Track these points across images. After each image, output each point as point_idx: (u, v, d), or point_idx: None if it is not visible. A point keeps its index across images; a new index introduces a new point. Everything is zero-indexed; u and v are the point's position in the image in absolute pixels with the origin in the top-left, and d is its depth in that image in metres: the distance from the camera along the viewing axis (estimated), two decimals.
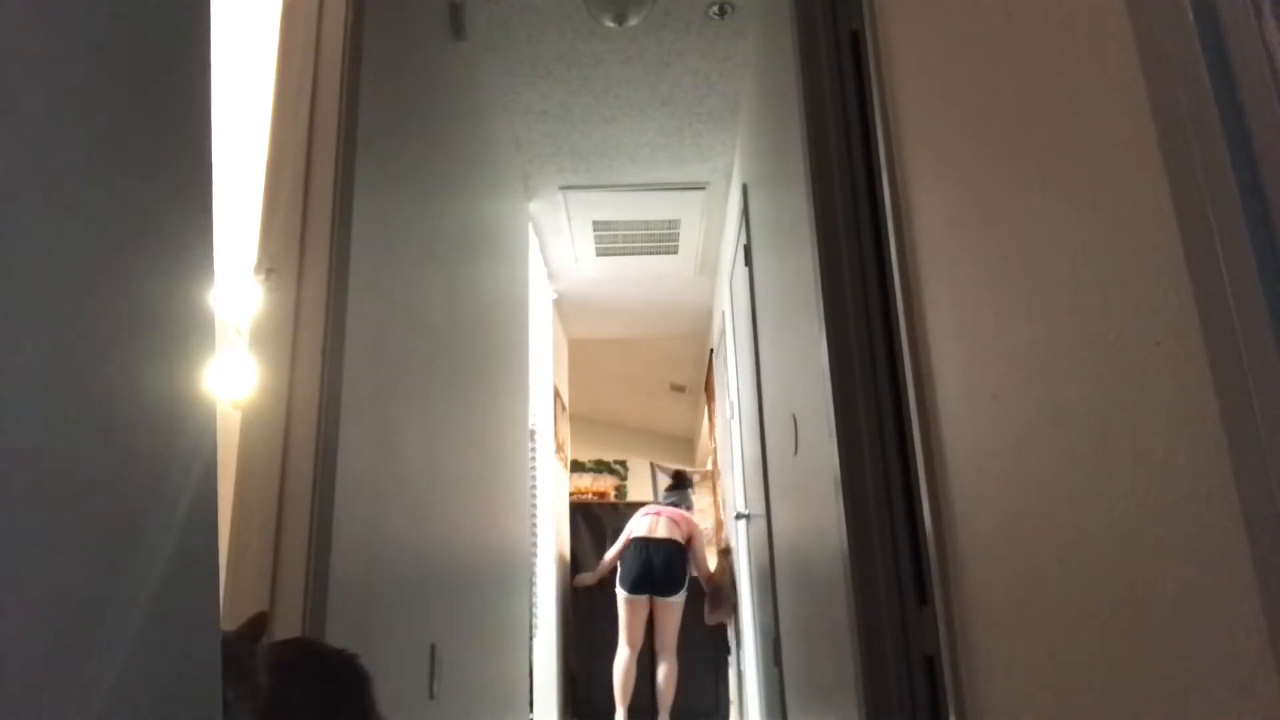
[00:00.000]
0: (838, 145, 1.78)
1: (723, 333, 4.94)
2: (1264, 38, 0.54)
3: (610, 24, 2.72)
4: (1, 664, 0.50)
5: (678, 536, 4.61)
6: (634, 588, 4.49)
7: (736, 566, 4.58)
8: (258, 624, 0.88)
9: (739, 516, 4.11)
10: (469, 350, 2.60)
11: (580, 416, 8.63)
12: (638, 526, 4.69)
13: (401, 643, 1.77)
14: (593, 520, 5.50)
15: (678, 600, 4.49)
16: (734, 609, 4.62)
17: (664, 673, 4.42)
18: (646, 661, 4.51)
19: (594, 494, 6.65)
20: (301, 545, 1.31)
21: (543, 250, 4.76)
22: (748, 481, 3.72)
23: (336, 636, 1.39)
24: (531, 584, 3.87)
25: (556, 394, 5.14)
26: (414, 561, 1.89)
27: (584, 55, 3.12)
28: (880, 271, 1.66)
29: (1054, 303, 0.82)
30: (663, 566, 4.50)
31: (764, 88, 2.77)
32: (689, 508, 5.07)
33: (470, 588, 2.45)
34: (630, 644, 4.45)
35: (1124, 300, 0.69)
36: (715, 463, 6.11)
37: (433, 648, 1.99)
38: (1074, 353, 0.78)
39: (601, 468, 9.32)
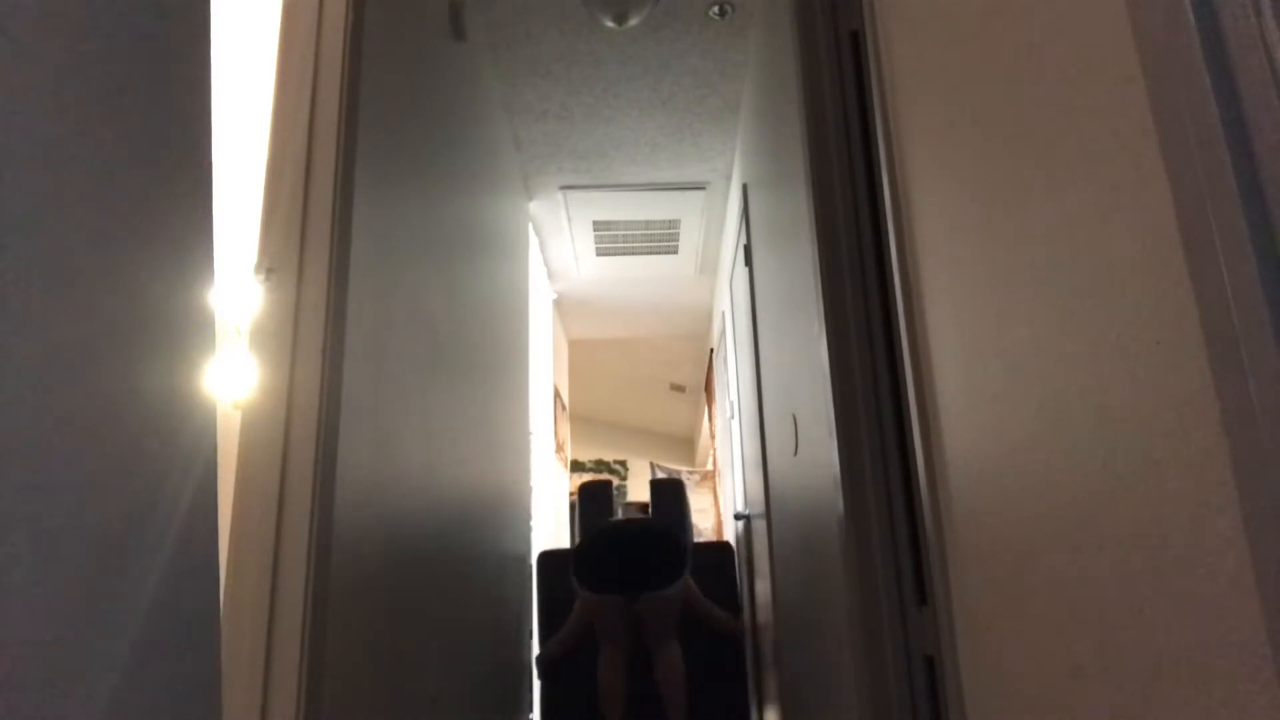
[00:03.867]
0: (838, 145, 1.78)
1: (723, 333, 4.94)
2: (1264, 38, 0.54)
3: (610, 24, 2.72)
4: (3, 664, 0.50)
5: (656, 522, 3.24)
6: (602, 583, 3.00)
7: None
8: None
9: (738, 517, 4.11)
10: (469, 350, 2.60)
11: (580, 416, 8.65)
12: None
13: (402, 642, 1.77)
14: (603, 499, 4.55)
15: (673, 592, 3.01)
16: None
17: (664, 665, 3.05)
18: (641, 661, 3.27)
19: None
20: (301, 545, 1.31)
21: (543, 250, 4.76)
22: (748, 482, 3.72)
23: (336, 636, 1.39)
24: (531, 583, 3.86)
25: (556, 394, 5.14)
26: (415, 561, 1.89)
27: (584, 55, 3.12)
28: (880, 271, 1.66)
29: (1054, 303, 0.82)
30: (642, 546, 3.02)
31: (764, 88, 2.77)
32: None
33: (471, 586, 2.45)
34: (612, 642, 3.07)
35: (1124, 300, 0.69)
36: (715, 463, 6.11)
37: (433, 647, 1.99)
38: (1074, 353, 0.78)
39: (601, 467, 9.34)
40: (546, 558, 3.43)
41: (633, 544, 3.04)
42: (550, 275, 5.11)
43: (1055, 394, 0.82)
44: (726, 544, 3.67)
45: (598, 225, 4.51)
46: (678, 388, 8.44)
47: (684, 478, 4.35)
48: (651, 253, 4.92)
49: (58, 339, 0.57)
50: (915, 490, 1.35)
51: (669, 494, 3.91)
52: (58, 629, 0.55)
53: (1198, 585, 0.61)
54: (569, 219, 4.41)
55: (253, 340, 1.39)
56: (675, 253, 4.93)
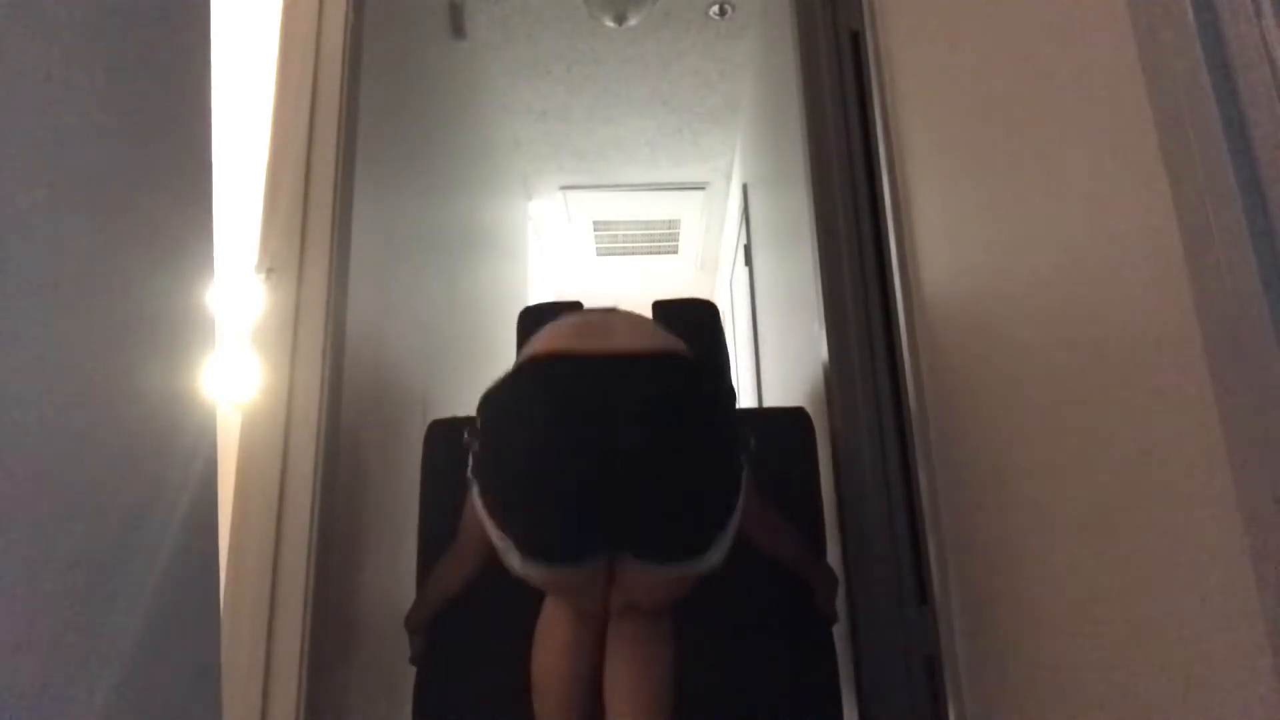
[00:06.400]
0: (838, 145, 1.78)
1: None
2: (1264, 38, 0.54)
3: (610, 24, 2.72)
4: (3, 663, 0.50)
5: (672, 349, 1.27)
6: (555, 550, 1.19)
7: None
8: None
9: None
10: (469, 350, 2.60)
11: None
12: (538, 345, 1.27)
13: (402, 640, 1.76)
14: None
15: (696, 568, 1.19)
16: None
17: (629, 655, 1.33)
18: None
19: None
20: (301, 545, 1.31)
21: (543, 250, 4.76)
22: None
23: (336, 636, 1.39)
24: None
25: None
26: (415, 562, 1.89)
27: (584, 55, 3.12)
28: (880, 271, 1.66)
29: (1054, 303, 0.82)
30: (650, 445, 1.14)
31: (764, 88, 2.77)
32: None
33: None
34: (570, 607, 1.36)
35: (1124, 300, 0.69)
36: None
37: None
38: (1075, 354, 0.78)
39: None
40: (439, 430, 1.75)
41: (623, 402, 1.19)
42: (550, 275, 5.11)
43: (1056, 396, 0.82)
44: (800, 409, 1.79)
45: (598, 225, 4.51)
46: None
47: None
48: (651, 253, 4.92)
49: (58, 339, 0.57)
50: (916, 491, 1.35)
51: (688, 323, 1.57)
52: (57, 629, 0.55)
53: (1198, 588, 0.61)
54: (569, 219, 4.41)
55: (253, 340, 1.39)
56: (675, 253, 4.93)
